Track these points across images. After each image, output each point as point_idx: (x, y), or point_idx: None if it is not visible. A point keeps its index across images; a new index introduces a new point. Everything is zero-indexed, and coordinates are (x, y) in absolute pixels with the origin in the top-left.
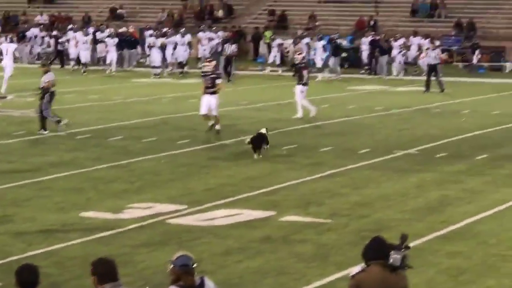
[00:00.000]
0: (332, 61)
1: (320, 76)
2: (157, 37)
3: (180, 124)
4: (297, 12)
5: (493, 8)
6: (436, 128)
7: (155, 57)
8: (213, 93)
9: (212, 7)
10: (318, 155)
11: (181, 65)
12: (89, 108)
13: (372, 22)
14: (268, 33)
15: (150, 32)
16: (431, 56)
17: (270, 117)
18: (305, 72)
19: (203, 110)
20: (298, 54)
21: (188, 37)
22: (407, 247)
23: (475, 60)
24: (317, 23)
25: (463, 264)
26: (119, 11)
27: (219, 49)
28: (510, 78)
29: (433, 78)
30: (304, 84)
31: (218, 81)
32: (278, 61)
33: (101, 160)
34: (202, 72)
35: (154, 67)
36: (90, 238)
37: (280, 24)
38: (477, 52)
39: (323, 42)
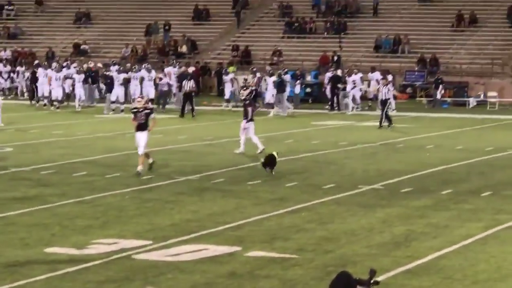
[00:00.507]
0: (278, 97)
1: (272, 112)
2: (119, 72)
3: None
4: (261, 47)
5: (456, 44)
6: (401, 163)
7: (118, 92)
8: (145, 129)
9: (176, 42)
10: (283, 190)
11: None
12: (54, 144)
13: (335, 58)
14: (231, 68)
15: (116, 67)
16: (382, 91)
17: (235, 152)
18: (249, 109)
19: (140, 151)
20: (244, 90)
21: (154, 73)
22: (376, 282)
23: (438, 95)
24: (281, 58)
25: None
26: (82, 46)
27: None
28: (474, 114)
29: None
30: (249, 120)
31: (151, 116)
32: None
33: (66, 196)
34: (134, 108)
35: (115, 102)
36: (55, 274)
37: (244, 59)
38: (440, 87)
39: (273, 78)
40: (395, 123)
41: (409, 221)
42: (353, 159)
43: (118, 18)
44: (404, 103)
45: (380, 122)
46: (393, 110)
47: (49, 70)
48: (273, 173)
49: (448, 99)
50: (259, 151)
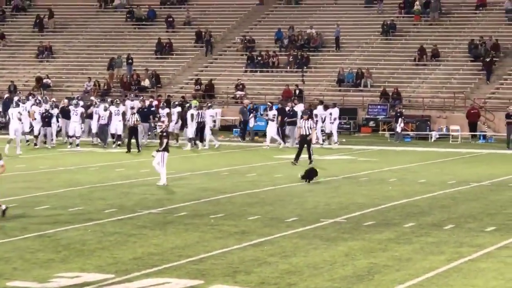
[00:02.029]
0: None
1: (200, 145)
2: (76, 106)
3: (107, 193)
4: (224, 81)
5: (419, 78)
6: (363, 196)
7: (75, 127)
8: None
9: (138, 76)
10: (245, 223)
11: (117, 136)
12: (16, 177)
13: (298, 91)
14: (194, 102)
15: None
16: (303, 127)
17: (197, 186)
18: (164, 141)
19: None
20: (162, 123)
21: (122, 108)
22: None
23: (398, 128)
24: (243, 93)
25: None
26: (45, 80)
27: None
28: (436, 147)
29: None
30: (163, 151)
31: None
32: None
33: (28, 230)
34: None
35: (72, 137)
36: None
37: (207, 93)
38: (400, 120)
39: (211, 111)
40: (357, 156)
41: (372, 254)
42: (316, 192)
43: (80, 51)
44: (367, 136)
45: (310, 157)
46: (336, 143)
47: (29, 104)
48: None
49: (411, 133)
50: (161, 183)
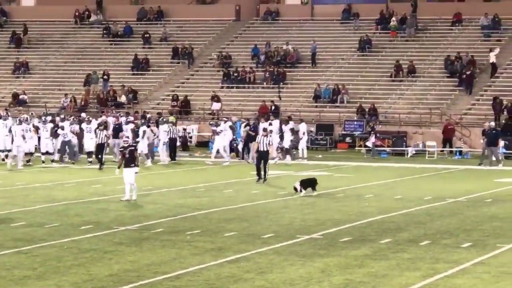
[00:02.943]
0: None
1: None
2: (44, 122)
3: (84, 209)
4: (200, 97)
5: (395, 94)
6: (340, 212)
7: (46, 143)
8: None
9: (115, 92)
10: (222, 240)
11: (88, 152)
12: None
13: (273, 107)
14: (172, 118)
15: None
16: (262, 143)
17: (174, 202)
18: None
19: None
20: (126, 138)
21: (94, 124)
22: None
23: (369, 144)
24: (219, 104)
25: None
26: (21, 96)
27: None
28: (412, 163)
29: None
30: (135, 166)
31: None
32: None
33: (3, 247)
34: None
35: (45, 153)
36: None
37: (183, 109)
38: (372, 136)
39: (165, 127)
40: (334, 172)
41: (348, 270)
42: (292, 208)
43: (57, 67)
44: (344, 152)
45: (265, 175)
46: (305, 158)
47: (35, 121)
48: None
49: (387, 149)
50: (125, 198)
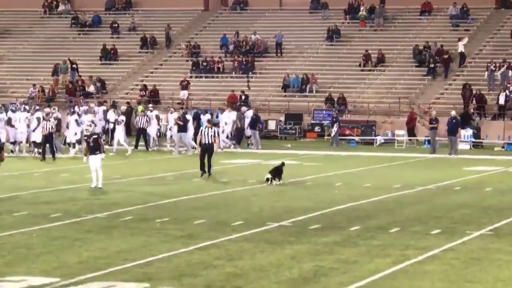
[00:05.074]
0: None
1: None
2: (11, 111)
3: (52, 198)
4: (169, 86)
5: (364, 83)
6: (309, 200)
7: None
8: None
9: (83, 82)
10: (191, 227)
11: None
12: None
13: (243, 97)
14: (140, 107)
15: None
16: (204, 135)
17: (143, 190)
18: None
19: None
20: (89, 127)
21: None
22: None
23: (332, 133)
24: (186, 92)
25: None
26: None
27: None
28: (381, 152)
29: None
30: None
31: None
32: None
33: None
34: None
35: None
36: None
37: (152, 98)
38: (335, 125)
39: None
40: (303, 160)
41: (318, 257)
42: (261, 196)
43: (25, 57)
44: (313, 142)
45: (209, 169)
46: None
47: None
48: (281, 182)
49: (356, 138)
50: (93, 185)
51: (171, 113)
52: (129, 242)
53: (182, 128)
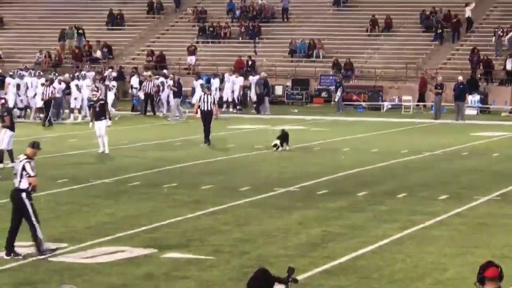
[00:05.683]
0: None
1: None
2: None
3: (60, 163)
4: (176, 52)
5: (371, 48)
6: (316, 165)
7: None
8: None
9: (90, 47)
10: (199, 193)
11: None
12: None
13: (250, 62)
14: (148, 73)
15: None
16: (204, 102)
17: (151, 156)
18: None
19: None
20: (96, 92)
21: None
22: (295, 280)
23: (336, 98)
24: (194, 57)
25: None
26: None
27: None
28: (388, 117)
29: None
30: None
31: None
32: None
33: None
34: None
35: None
36: None
37: (159, 64)
38: (339, 90)
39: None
40: (310, 126)
41: (326, 223)
42: (269, 162)
43: (32, 23)
44: (320, 107)
45: (207, 136)
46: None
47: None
48: (287, 148)
49: (363, 103)
50: (100, 151)
51: (171, 79)
52: (137, 208)
53: (177, 94)
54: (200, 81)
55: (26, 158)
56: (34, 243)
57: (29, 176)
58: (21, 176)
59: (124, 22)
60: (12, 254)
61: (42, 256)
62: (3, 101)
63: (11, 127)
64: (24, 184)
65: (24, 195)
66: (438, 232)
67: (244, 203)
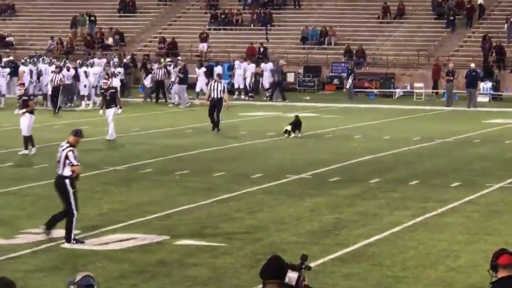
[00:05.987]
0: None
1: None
2: (33, 64)
3: None
4: (188, 39)
5: (383, 35)
6: (329, 153)
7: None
8: None
9: (102, 34)
10: (211, 180)
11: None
12: None
13: (262, 49)
14: (162, 60)
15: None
16: (213, 89)
17: (162, 143)
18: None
19: None
20: (107, 80)
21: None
22: (308, 267)
23: (348, 85)
24: (205, 44)
25: (358, 285)
26: (8, 38)
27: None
28: (400, 104)
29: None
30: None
31: None
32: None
33: None
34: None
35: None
36: None
37: (171, 51)
38: (350, 77)
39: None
40: (322, 113)
41: (338, 210)
42: (281, 149)
43: (43, 10)
44: (331, 94)
45: (218, 124)
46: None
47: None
48: (299, 135)
49: (375, 90)
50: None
51: (178, 65)
52: (149, 195)
53: (183, 81)
54: (269, 65)
55: (68, 146)
56: (65, 230)
57: (72, 165)
58: (64, 165)
59: (136, 9)
60: (47, 229)
61: (68, 245)
62: (24, 87)
63: (32, 112)
64: (67, 172)
65: (68, 181)
66: (450, 219)
67: (257, 190)
